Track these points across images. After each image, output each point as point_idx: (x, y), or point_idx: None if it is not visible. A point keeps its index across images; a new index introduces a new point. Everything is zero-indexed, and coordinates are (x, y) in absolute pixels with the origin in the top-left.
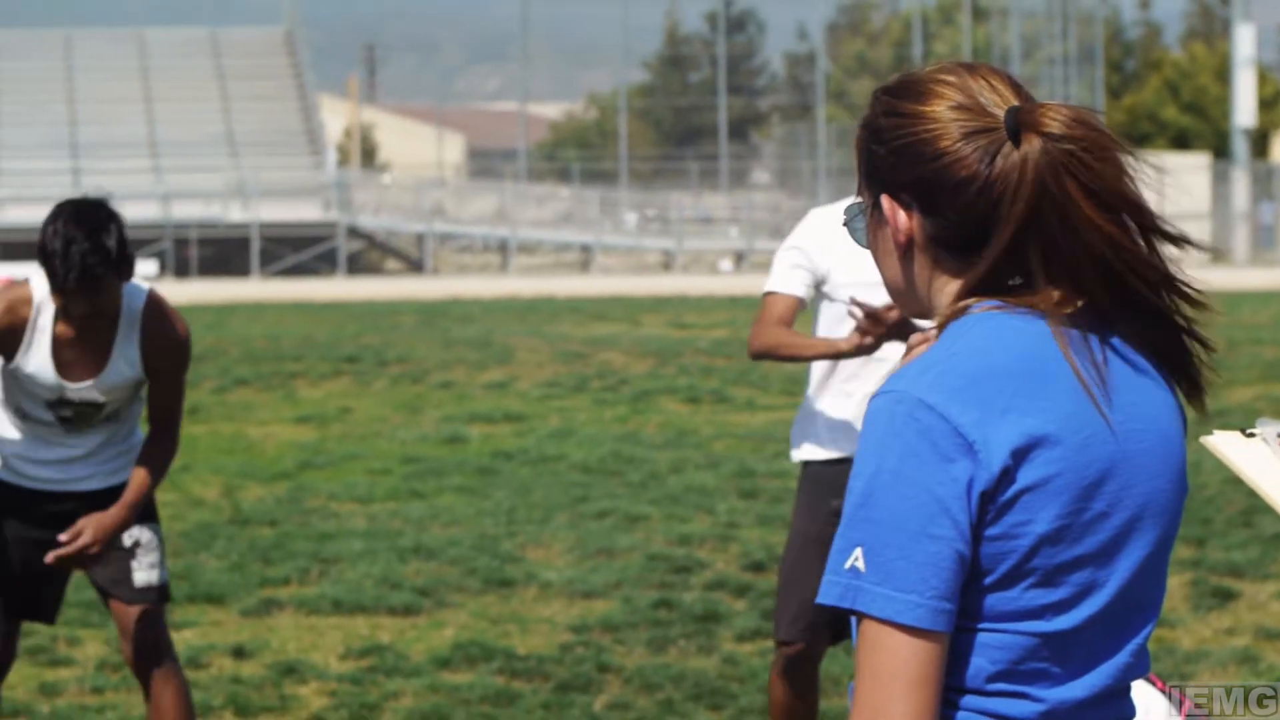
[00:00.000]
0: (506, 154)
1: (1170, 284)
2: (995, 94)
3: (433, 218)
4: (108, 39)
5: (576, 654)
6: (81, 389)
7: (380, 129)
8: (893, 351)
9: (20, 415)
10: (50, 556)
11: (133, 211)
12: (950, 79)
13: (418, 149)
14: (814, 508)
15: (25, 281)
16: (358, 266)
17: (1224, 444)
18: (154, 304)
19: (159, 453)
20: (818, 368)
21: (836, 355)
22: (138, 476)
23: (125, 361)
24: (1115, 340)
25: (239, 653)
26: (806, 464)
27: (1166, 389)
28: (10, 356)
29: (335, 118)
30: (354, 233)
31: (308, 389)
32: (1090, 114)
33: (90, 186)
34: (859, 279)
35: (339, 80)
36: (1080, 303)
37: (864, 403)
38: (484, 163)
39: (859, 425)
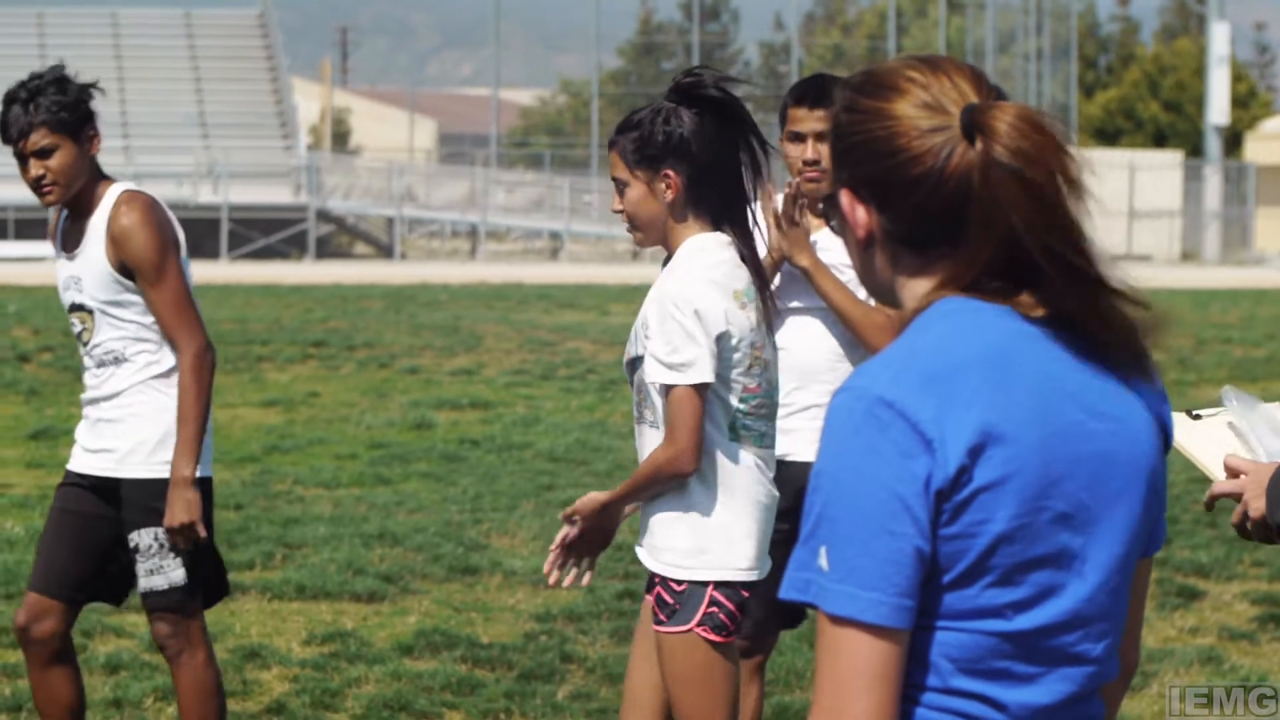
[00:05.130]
0: (478, 139)
1: (1102, 286)
2: (956, 91)
3: (403, 202)
4: (81, 17)
5: (540, 643)
6: (68, 265)
7: (353, 113)
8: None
9: None
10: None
11: None
12: (913, 75)
13: (390, 133)
14: None
15: None
16: (326, 250)
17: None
18: (128, 194)
19: (181, 367)
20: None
21: (774, 267)
22: (180, 414)
23: (95, 245)
24: (1087, 346)
25: None
26: None
27: (1142, 403)
28: None
29: (308, 101)
30: (323, 216)
31: (275, 373)
32: (1043, 117)
33: None
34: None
35: (312, 63)
36: (1048, 308)
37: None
38: (455, 148)
39: (787, 434)
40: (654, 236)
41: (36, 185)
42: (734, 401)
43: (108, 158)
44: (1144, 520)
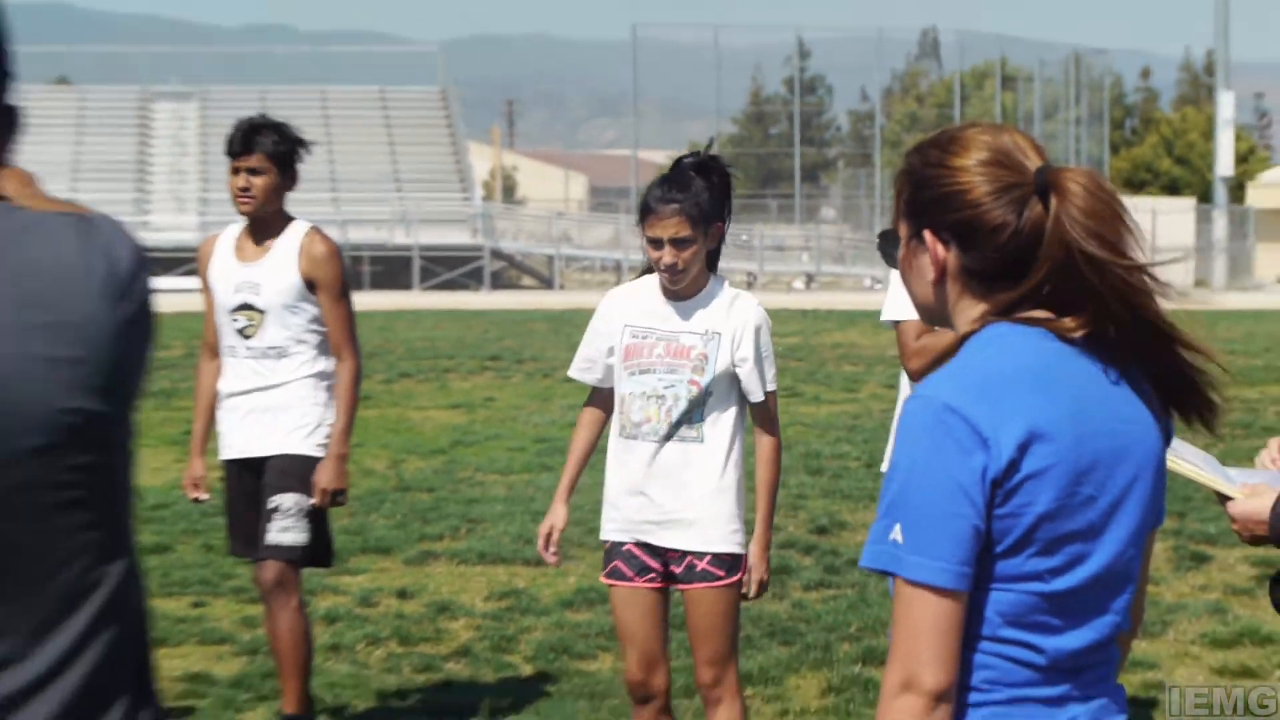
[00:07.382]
0: (621, 191)
1: (1160, 318)
2: (1022, 153)
3: (560, 243)
4: (296, 94)
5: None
6: (242, 271)
7: (518, 170)
8: None
9: (225, 356)
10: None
11: None
12: (985, 138)
13: (548, 187)
14: None
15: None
16: (499, 282)
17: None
18: (316, 228)
19: (341, 377)
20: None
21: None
22: (338, 409)
23: (285, 259)
24: (1107, 362)
25: (402, 594)
26: None
27: (1147, 407)
28: (207, 284)
29: (481, 160)
30: (496, 254)
31: (458, 382)
32: (1102, 178)
33: None
34: None
35: (484, 129)
36: (1086, 330)
37: None
38: (603, 198)
39: None
40: (693, 280)
41: (239, 193)
42: None
43: (320, 208)
44: (1152, 500)
